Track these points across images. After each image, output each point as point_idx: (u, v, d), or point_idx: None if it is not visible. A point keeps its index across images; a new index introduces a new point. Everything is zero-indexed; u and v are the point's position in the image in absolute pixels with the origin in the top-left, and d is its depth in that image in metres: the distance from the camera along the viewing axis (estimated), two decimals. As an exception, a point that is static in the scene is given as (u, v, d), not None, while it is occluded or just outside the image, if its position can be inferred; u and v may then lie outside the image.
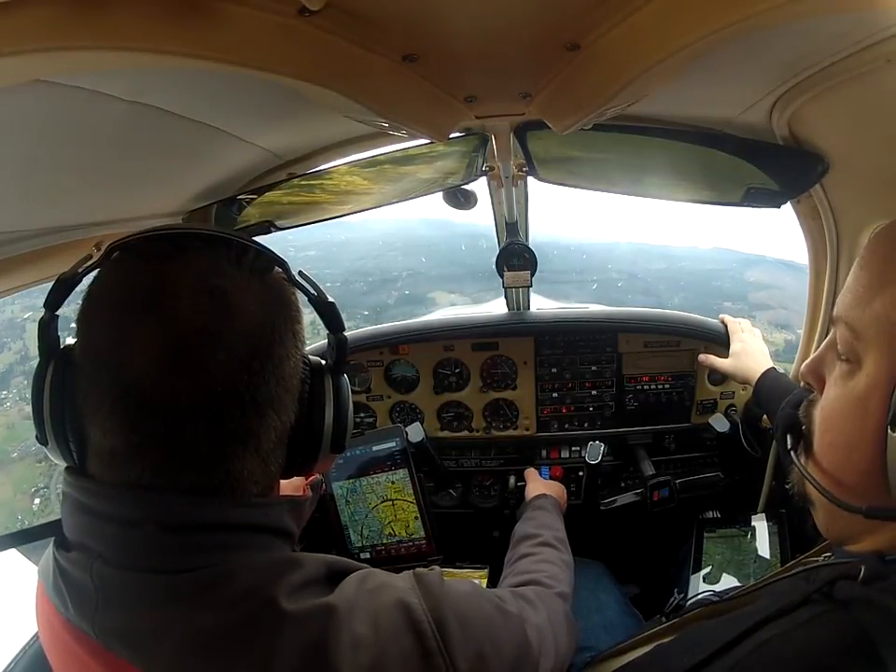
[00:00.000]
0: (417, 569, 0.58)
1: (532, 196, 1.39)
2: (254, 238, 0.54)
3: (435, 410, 1.60)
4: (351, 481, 1.32)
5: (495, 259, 1.42)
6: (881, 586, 0.48)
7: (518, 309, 1.61)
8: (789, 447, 0.59)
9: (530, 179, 1.25)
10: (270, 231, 1.22)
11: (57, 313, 0.54)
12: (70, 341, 0.53)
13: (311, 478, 0.81)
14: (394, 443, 1.29)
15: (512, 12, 0.56)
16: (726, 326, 1.44)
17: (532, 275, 1.42)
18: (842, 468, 0.52)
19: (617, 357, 1.55)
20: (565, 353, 1.55)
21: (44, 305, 0.54)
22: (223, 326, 0.48)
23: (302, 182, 1.14)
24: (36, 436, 0.54)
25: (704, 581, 1.23)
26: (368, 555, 1.34)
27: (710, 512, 1.45)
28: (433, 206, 1.35)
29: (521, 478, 1.43)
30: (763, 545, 1.27)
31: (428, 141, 1.03)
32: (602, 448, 1.40)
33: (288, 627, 0.48)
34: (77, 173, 0.75)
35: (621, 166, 1.17)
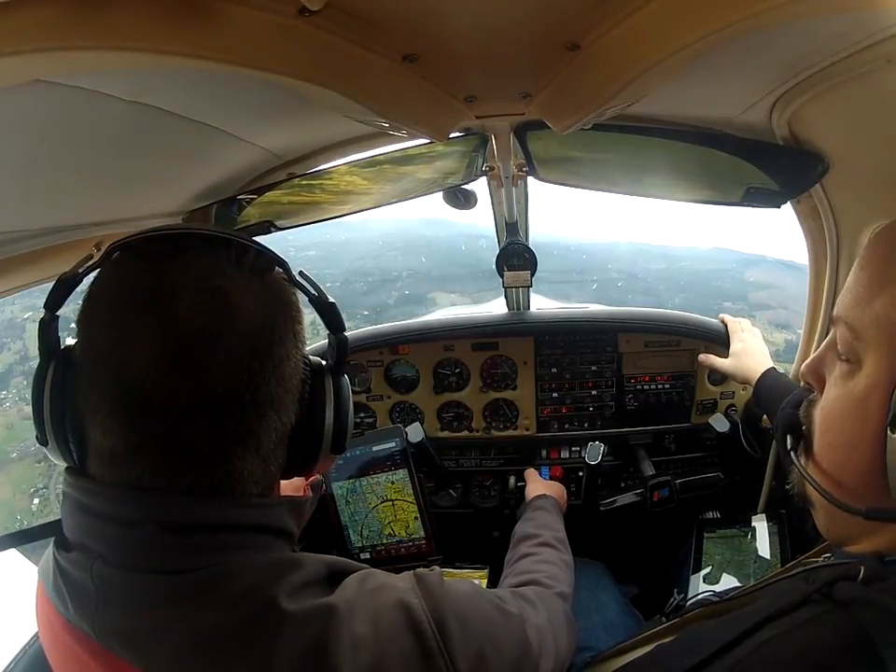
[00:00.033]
0: (418, 570, 0.58)
1: (532, 196, 1.39)
2: (254, 238, 0.54)
3: (435, 410, 1.60)
4: (351, 481, 1.32)
5: (495, 259, 1.42)
6: (881, 587, 0.48)
7: (518, 309, 1.61)
8: (789, 447, 0.59)
9: (530, 179, 1.25)
10: (270, 231, 1.22)
11: (57, 313, 0.54)
12: (70, 341, 0.53)
13: (311, 478, 0.81)
14: (394, 443, 1.29)
15: (512, 12, 0.56)
16: (726, 326, 1.44)
17: (532, 275, 1.42)
18: (842, 468, 0.52)
19: (617, 356, 1.54)
20: (565, 353, 1.55)
21: (44, 306, 0.54)
22: (223, 326, 0.48)
23: (302, 182, 1.14)
24: (37, 436, 0.54)
25: (704, 582, 1.23)
26: (368, 555, 1.34)
27: (710, 513, 1.45)
28: (433, 206, 1.36)
29: (521, 478, 1.43)
30: (763, 545, 1.27)
31: (428, 141, 1.03)
32: (602, 448, 1.40)
33: (288, 627, 0.48)
34: (77, 173, 0.75)
35: (621, 166, 1.17)
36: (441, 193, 1.29)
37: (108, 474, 0.50)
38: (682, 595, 0.93)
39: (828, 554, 0.65)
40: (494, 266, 1.43)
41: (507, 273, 1.41)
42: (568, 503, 1.29)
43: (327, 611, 0.49)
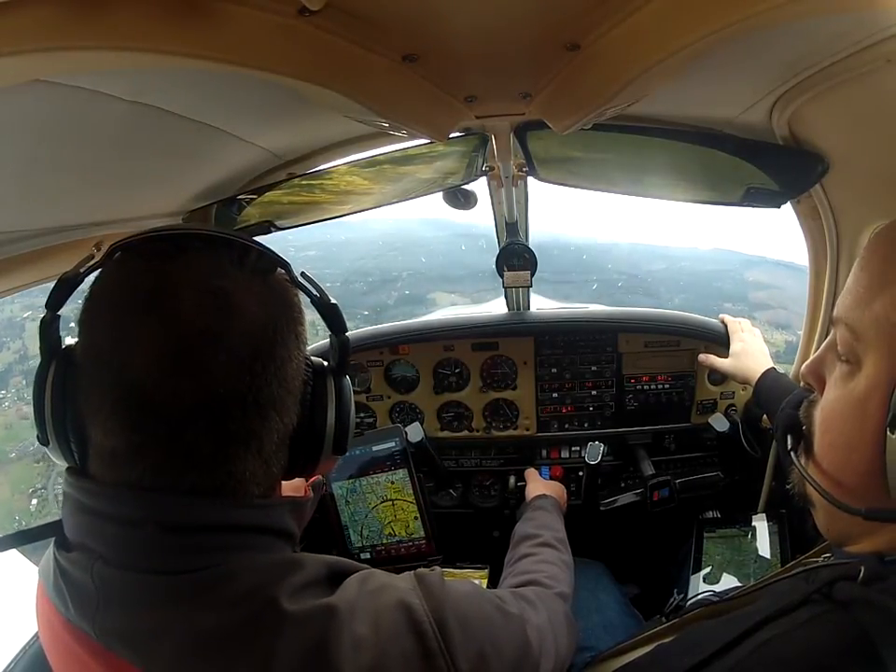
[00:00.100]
0: (418, 570, 0.58)
1: (532, 196, 1.39)
2: (254, 238, 0.54)
3: (435, 410, 1.60)
4: (351, 481, 1.32)
5: (495, 259, 1.42)
6: (881, 587, 0.48)
7: (518, 309, 1.61)
8: (789, 447, 0.59)
9: (530, 179, 1.25)
10: (270, 231, 1.22)
11: (58, 313, 0.54)
12: (71, 341, 0.53)
13: (312, 479, 0.81)
14: (394, 443, 1.29)
15: (512, 12, 0.56)
16: (726, 326, 1.44)
17: (532, 275, 1.42)
18: (842, 468, 0.52)
19: (617, 356, 1.55)
20: (565, 353, 1.55)
21: (45, 305, 0.54)
22: (225, 327, 0.48)
23: (302, 182, 1.14)
24: (38, 436, 0.54)
25: (704, 581, 1.23)
26: (368, 555, 1.34)
27: (710, 512, 1.45)
28: (433, 206, 1.36)
29: (521, 478, 1.43)
30: (764, 545, 1.27)
31: (428, 141, 1.03)
32: (602, 448, 1.40)
33: (289, 628, 0.48)
34: (77, 173, 0.74)
35: (621, 166, 1.17)
36: (441, 193, 1.29)
37: (109, 474, 0.50)
38: (682, 595, 0.93)
39: (828, 554, 0.65)
40: (494, 266, 1.43)
41: (507, 274, 1.41)
42: (568, 503, 1.29)
43: (327, 612, 0.49)
